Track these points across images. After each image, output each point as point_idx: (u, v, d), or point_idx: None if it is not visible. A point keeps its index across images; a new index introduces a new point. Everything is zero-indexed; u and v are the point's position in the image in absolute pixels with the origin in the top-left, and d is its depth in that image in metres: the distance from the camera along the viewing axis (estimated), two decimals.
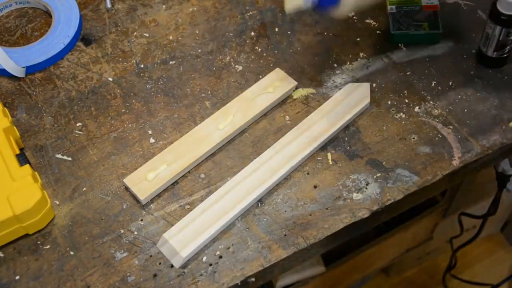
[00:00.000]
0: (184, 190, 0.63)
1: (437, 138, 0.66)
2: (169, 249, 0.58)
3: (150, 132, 0.68)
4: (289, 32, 0.76)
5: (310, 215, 0.61)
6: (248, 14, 0.79)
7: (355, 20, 0.78)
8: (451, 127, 0.67)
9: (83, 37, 0.77)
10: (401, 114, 0.68)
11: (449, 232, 1.22)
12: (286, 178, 0.64)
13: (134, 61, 0.74)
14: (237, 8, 0.79)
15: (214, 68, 0.73)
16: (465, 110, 0.69)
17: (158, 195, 0.63)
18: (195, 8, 0.80)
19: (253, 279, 0.58)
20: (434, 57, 0.74)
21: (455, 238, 1.17)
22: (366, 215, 0.61)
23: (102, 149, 0.66)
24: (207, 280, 0.57)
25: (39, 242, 0.60)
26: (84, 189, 0.63)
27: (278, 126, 0.68)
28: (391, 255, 1.30)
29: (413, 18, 0.75)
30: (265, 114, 0.69)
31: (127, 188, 0.63)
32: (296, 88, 0.71)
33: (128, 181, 0.62)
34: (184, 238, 0.58)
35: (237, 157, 0.65)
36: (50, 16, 0.78)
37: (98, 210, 0.62)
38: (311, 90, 0.71)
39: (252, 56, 0.74)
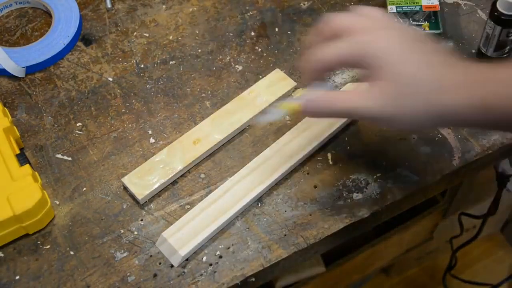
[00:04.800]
0: (184, 190, 0.63)
1: (437, 138, 0.66)
2: (168, 247, 0.58)
3: (150, 132, 0.68)
4: (289, 32, 0.77)
5: (310, 215, 0.61)
6: (248, 14, 0.79)
7: None
8: (451, 127, 0.67)
9: (83, 37, 0.77)
10: None
11: (449, 232, 1.22)
12: (286, 178, 0.64)
13: (134, 61, 0.74)
14: (237, 8, 0.80)
15: (214, 68, 0.73)
16: None
17: (158, 195, 0.63)
18: (195, 8, 0.80)
19: (253, 279, 0.58)
20: None
21: (455, 238, 1.17)
22: (366, 215, 0.61)
23: (102, 149, 0.66)
24: (207, 280, 0.57)
25: (39, 242, 0.60)
26: (84, 189, 0.63)
27: (278, 126, 0.68)
28: (391, 255, 1.30)
29: (413, 18, 0.75)
30: None
31: (126, 188, 0.63)
32: (296, 88, 0.71)
33: (126, 180, 0.62)
34: (183, 236, 0.58)
35: (237, 157, 0.65)
36: (50, 16, 0.78)
37: (98, 210, 0.62)
38: None
39: (252, 56, 0.74)
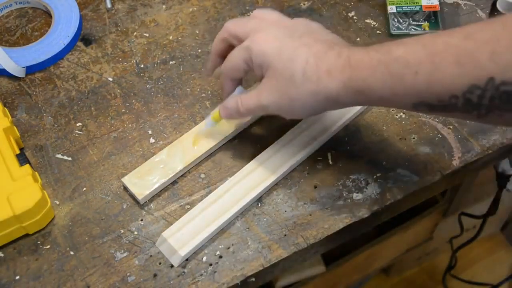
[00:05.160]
0: (184, 190, 0.63)
1: (437, 138, 0.66)
2: (167, 247, 0.58)
3: (150, 132, 0.68)
4: None
5: (310, 215, 0.61)
6: (248, 14, 0.79)
7: (355, 20, 0.78)
8: (451, 127, 0.67)
9: (83, 37, 0.77)
10: (401, 114, 0.68)
11: (449, 232, 1.22)
12: (286, 178, 0.64)
13: (134, 61, 0.74)
14: (237, 8, 0.80)
15: None
16: None
17: (158, 195, 0.63)
18: (195, 8, 0.80)
19: (253, 279, 0.58)
20: None
21: (455, 238, 1.17)
22: (366, 215, 0.61)
23: (102, 149, 0.66)
24: (207, 280, 0.57)
25: (39, 242, 0.60)
26: (84, 189, 0.63)
27: (278, 126, 0.68)
28: (391, 255, 1.30)
29: (413, 18, 0.75)
30: None
31: (126, 188, 0.63)
32: None
33: (126, 180, 0.62)
34: (183, 236, 0.58)
35: (237, 157, 0.65)
36: (50, 16, 0.78)
37: (98, 210, 0.62)
38: None
39: None
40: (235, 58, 0.57)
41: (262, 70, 0.55)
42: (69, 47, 0.75)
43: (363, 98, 0.51)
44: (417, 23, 0.75)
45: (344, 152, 0.66)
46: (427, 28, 0.74)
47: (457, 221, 1.14)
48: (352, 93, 0.51)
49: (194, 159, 0.64)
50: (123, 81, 0.72)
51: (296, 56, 0.52)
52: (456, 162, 0.64)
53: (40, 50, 0.74)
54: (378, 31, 0.76)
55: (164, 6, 0.80)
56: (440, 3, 0.78)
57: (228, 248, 0.59)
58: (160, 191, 0.63)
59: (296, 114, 0.55)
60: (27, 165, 0.60)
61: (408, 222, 1.17)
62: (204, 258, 0.58)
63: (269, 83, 0.54)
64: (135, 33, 0.77)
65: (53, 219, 0.61)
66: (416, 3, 0.76)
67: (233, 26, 0.59)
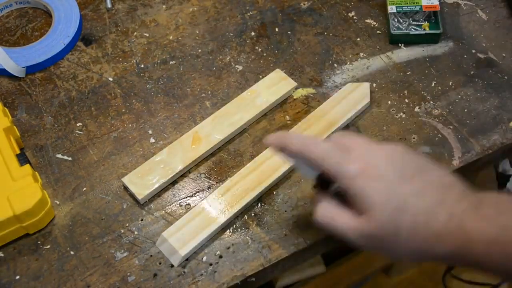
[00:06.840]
0: (184, 190, 0.63)
1: (437, 138, 0.66)
2: (168, 247, 0.58)
3: (150, 132, 0.68)
4: (289, 32, 0.77)
5: (310, 215, 0.61)
6: (248, 14, 0.79)
7: (355, 20, 0.78)
8: (451, 127, 0.67)
9: (83, 37, 0.77)
10: (401, 114, 0.68)
11: None
12: (286, 177, 0.64)
13: (134, 61, 0.74)
14: (237, 8, 0.80)
15: (214, 68, 0.73)
16: (465, 110, 0.69)
17: (158, 195, 0.63)
18: (195, 8, 0.80)
19: (253, 279, 0.58)
20: (434, 57, 0.74)
21: None
22: None
23: (102, 149, 0.66)
24: (207, 280, 0.57)
25: (39, 242, 0.60)
26: (84, 189, 0.63)
27: (278, 126, 0.68)
28: None
29: (413, 18, 0.75)
30: (265, 114, 0.69)
31: (126, 188, 0.63)
32: (296, 88, 0.71)
33: (127, 180, 0.62)
34: (183, 236, 0.58)
35: (237, 157, 0.65)
36: (50, 16, 0.78)
37: (98, 210, 0.62)
38: (311, 90, 0.71)
39: (252, 56, 0.74)
40: (328, 155, 0.49)
41: (356, 203, 0.48)
42: (69, 47, 0.75)
43: (471, 265, 0.46)
44: (417, 23, 0.75)
45: None
46: (427, 28, 0.74)
47: None
48: (459, 261, 0.46)
49: (194, 159, 0.64)
50: (123, 81, 0.72)
51: (405, 208, 0.46)
52: (456, 162, 0.64)
53: (40, 50, 0.74)
54: (378, 31, 0.76)
55: (164, 6, 0.80)
56: (440, 3, 0.78)
57: (228, 248, 0.59)
58: (160, 191, 0.63)
59: (391, 259, 0.48)
60: (27, 165, 0.60)
61: None
62: (204, 258, 0.58)
63: (366, 227, 0.47)
64: (135, 33, 0.77)
65: (53, 219, 0.61)
66: (416, 3, 0.76)
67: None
